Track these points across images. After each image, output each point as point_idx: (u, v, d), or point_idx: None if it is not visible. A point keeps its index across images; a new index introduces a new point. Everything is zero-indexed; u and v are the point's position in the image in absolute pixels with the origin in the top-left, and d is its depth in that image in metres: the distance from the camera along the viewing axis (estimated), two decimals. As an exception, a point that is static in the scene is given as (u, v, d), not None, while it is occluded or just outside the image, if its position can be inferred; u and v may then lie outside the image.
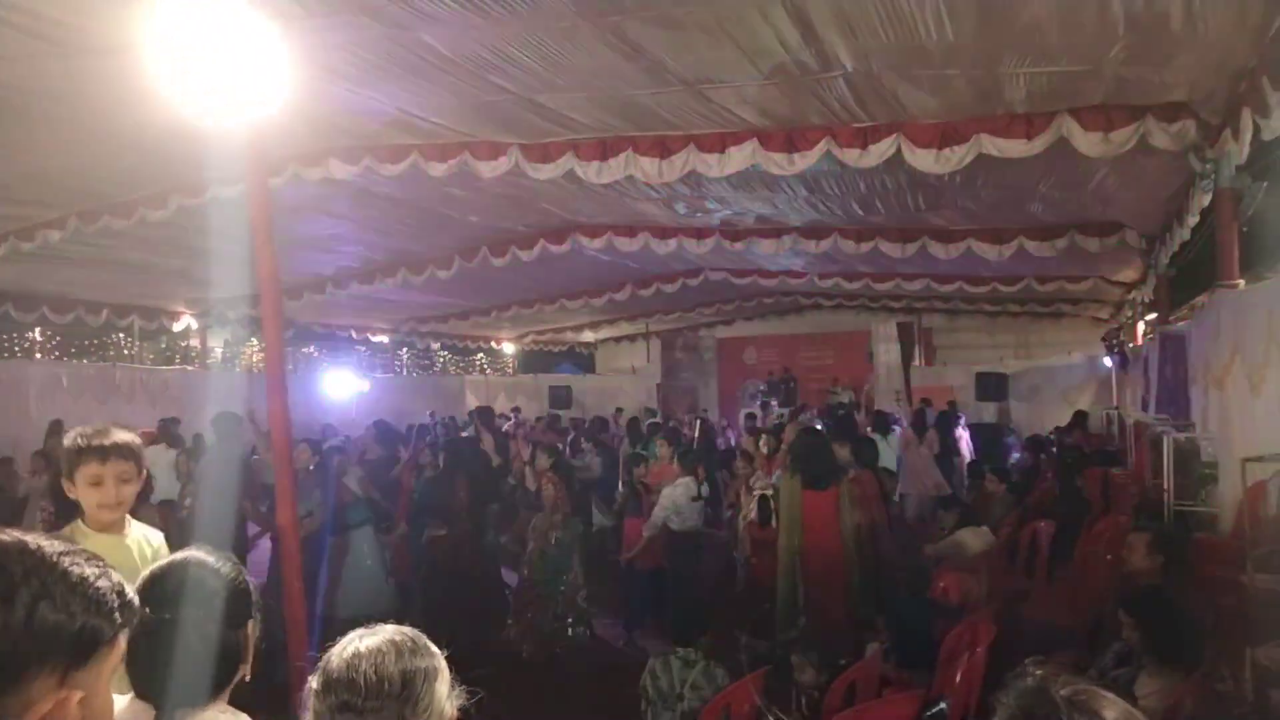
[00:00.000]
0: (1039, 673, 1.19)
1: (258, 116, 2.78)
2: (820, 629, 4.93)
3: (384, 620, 1.58)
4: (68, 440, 2.60)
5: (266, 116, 2.80)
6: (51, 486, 6.77)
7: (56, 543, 1.10)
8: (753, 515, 6.98)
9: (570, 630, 6.76)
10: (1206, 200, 5.84)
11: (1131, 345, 11.49)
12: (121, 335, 15.77)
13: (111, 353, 15.81)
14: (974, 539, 5.93)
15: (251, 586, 1.82)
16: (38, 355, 14.97)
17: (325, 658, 1.47)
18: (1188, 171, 5.79)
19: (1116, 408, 12.39)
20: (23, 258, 8.55)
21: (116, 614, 1.10)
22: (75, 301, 11.75)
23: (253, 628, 1.79)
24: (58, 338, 15.25)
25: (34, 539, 1.09)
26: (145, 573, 1.77)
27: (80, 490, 2.56)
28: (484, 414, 10.45)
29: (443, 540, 6.85)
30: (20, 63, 4.67)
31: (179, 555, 1.80)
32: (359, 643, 1.48)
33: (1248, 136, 4.36)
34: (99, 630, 1.07)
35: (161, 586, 1.71)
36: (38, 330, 14.89)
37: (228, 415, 7.11)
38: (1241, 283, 5.43)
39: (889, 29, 4.12)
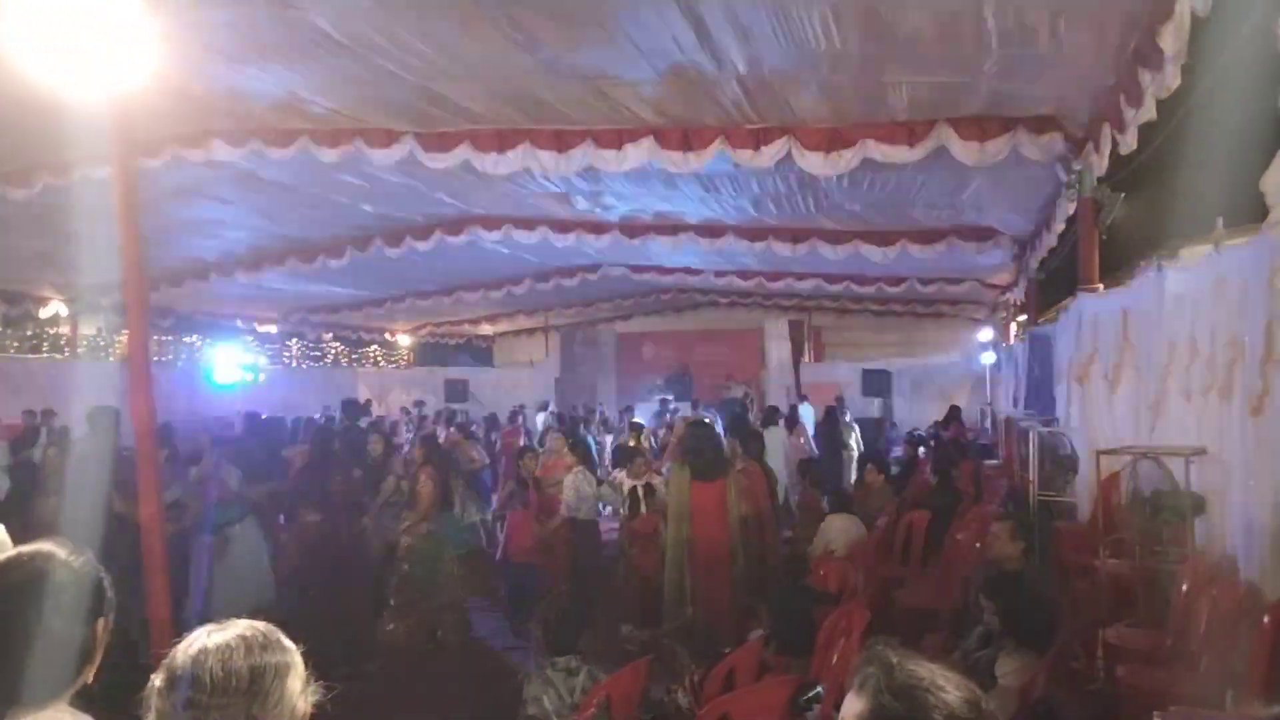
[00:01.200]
0: (889, 657, 1.25)
1: (122, 91, 2.65)
2: (706, 617, 5.04)
3: (266, 617, 1.54)
4: None
5: (134, 92, 2.68)
6: None
7: None
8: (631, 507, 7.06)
9: (446, 621, 6.73)
10: (1071, 209, 6.24)
11: (1004, 345, 12.15)
12: (-20, 321, 14.74)
13: (-31, 340, 14.77)
14: (839, 529, 6.12)
15: (106, 583, 1.73)
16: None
17: (170, 654, 1.42)
18: (1055, 181, 6.16)
19: (990, 404, 13.10)
20: None
21: None
22: (-73, 285, 10.94)
23: (103, 626, 1.71)
24: (-92, 323, 14.13)
25: None
26: None
27: None
28: (349, 407, 10.51)
29: (314, 527, 6.70)
30: None
31: (27, 548, 1.70)
32: (206, 639, 1.42)
33: (1107, 150, 4.68)
34: None
35: (4, 579, 1.63)
36: (-116, 315, 13.74)
37: (105, 409, 6.77)
38: (1100, 287, 5.81)
39: (780, 35, 4.24)
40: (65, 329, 14.48)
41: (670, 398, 17.22)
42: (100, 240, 7.76)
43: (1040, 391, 7.78)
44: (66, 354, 14.27)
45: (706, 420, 7.97)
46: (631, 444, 8.58)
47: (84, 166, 6.42)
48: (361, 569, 6.85)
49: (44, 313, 13.00)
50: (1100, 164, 5.02)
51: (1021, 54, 4.16)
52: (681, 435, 6.67)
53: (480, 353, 23.45)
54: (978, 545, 4.78)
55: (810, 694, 3.46)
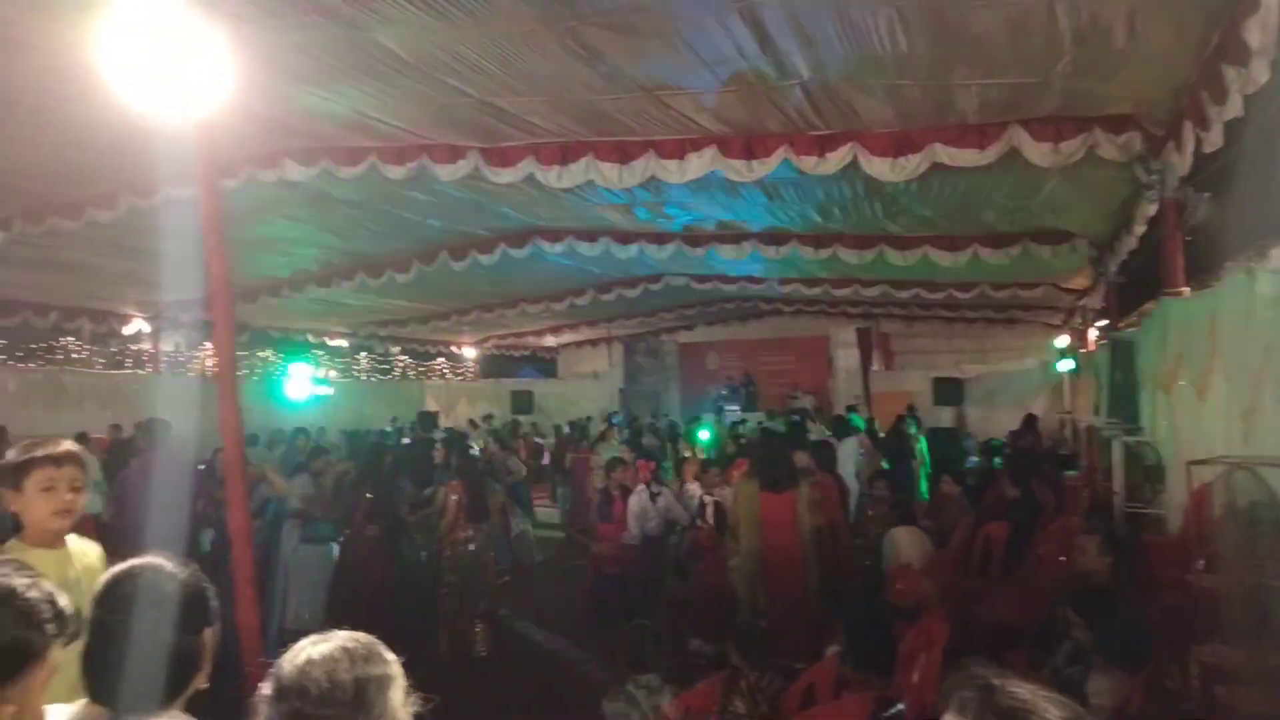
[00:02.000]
0: (988, 678, 1.20)
1: (208, 115, 2.73)
2: (778, 630, 4.95)
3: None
4: (12, 454, 2.55)
5: (218, 116, 2.76)
6: None
7: None
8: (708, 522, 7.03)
9: (484, 632, 6.89)
10: (1152, 210, 5.99)
11: (1083, 351, 11.74)
12: (70, 339, 15.35)
13: (60, 357, 15.37)
14: (904, 542, 5.96)
15: (210, 593, 1.80)
16: (-18, 360, 14.55)
17: (278, 665, 1.46)
18: (1134, 182, 5.94)
19: (1069, 412, 12.67)
20: (-34, 259, 8.34)
21: (48, 625, 1.06)
22: (21, 304, 11.46)
23: (210, 635, 1.78)
24: (3, 341, 14.80)
25: None
26: (102, 578, 1.76)
27: (29, 499, 2.49)
28: (423, 419, 10.64)
29: (373, 540, 6.87)
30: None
31: (136, 560, 1.78)
32: (311, 649, 1.46)
33: (1190, 149, 4.48)
34: (29, 643, 1.03)
35: (118, 591, 1.69)
36: (-19, 334, 14.45)
37: (158, 421, 7.05)
38: (1186, 290, 5.57)
39: (844, 40, 4.17)
40: (147, 345, 15.02)
41: (736, 408, 17.12)
42: (180, 258, 8.09)
43: (1122, 399, 7.48)
44: (149, 369, 14.79)
45: (774, 431, 7.87)
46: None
47: (166, 188, 6.65)
48: (413, 581, 6.99)
49: (127, 329, 13.53)
50: (1183, 163, 4.81)
51: (1096, 52, 4.02)
52: (749, 447, 6.60)
53: (544, 364, 23.63)
54: (1062, 559, 4.61)
55: (891, 712, 3.36)
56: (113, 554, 2.48)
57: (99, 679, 1.62)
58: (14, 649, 1.02)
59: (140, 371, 15.53)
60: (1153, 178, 5.27)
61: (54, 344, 15.22)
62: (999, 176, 6.33)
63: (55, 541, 2.54)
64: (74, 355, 15.49)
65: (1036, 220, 8.08)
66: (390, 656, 1.51)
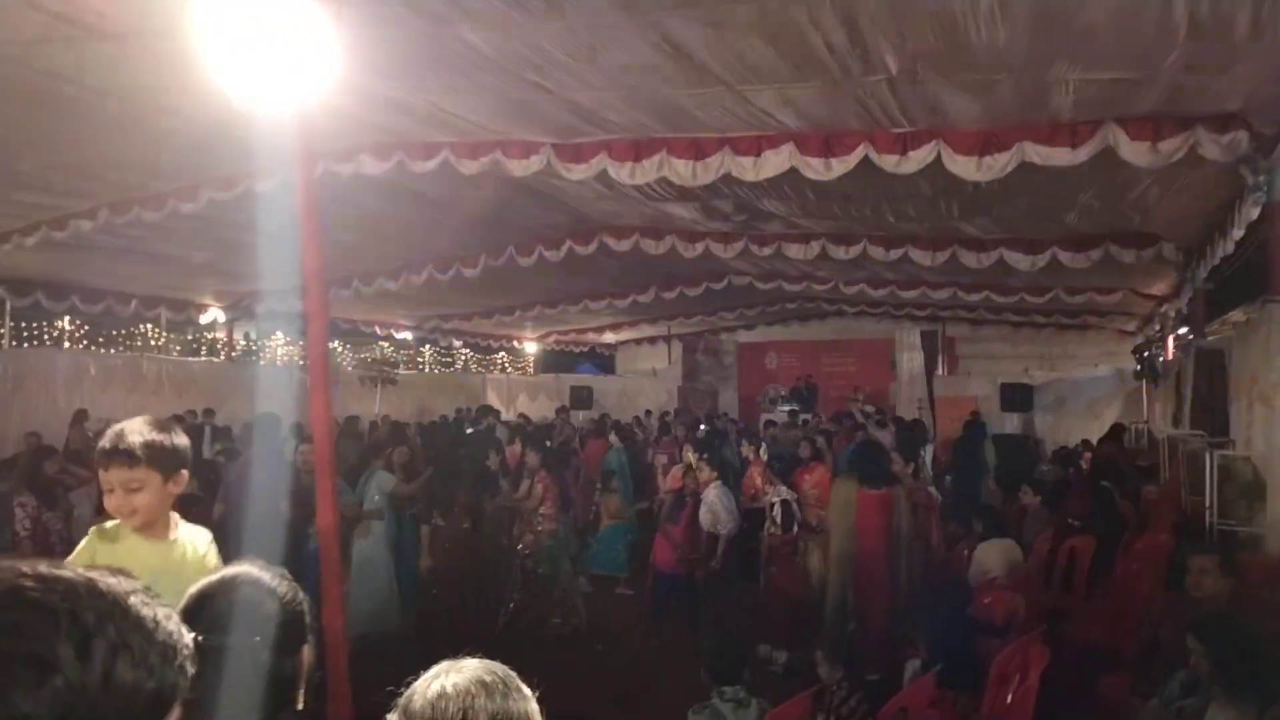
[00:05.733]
0: None
1: (307, 104, 2.72)
2: (865, 640, 4.82)
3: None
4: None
5: (311, 107, 2.75)
6: (30, 475, 6.67)
7: (121, 578, 0.91)
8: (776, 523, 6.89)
9: (564, 621, 7.02)
10: (1255, 214, 5.70)
11: (1162, 359, 11.30)
12: (149, 326, 15.81)
13: (139, 343, 15.85)
14: (997, 554, 5.76)
15: (307, 607, 1.67)
16: (66, 344, 15.06)
17: (407, 695, 1.35)
18: (1234, 183, 5.66)
19: (1146, 422, 12.22)
20: (54, 247, 8.60)
21: (188, 664, 0.94)
22: (104, 292, 11.83)
23: (308, 653, 1.66)
24: (86, 327, 15.32)
25: (98, 574, 0.89)
26: (192, 591, 1.62)
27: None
28: (485, 413, 10.84)
29: (467, 534, 6.98)
30: (60, 51, 4.66)
31: (229, 571, 1.65)
32: (445, 680, 1.34)
33: (1307, 148, 4.24)
34: (175, 687, 0.88)
35: (210, 607, 1.56)
36: (66, 319, 14.97)
37: (268, 415, 7.12)
38: (1293, 298, 5.28)
39: (937, 31, 4.02)
40: (222, 334, 15.40)
41: (797, 408, 16.89)
42: (257, 250, 8.25)
43: (1210, 410, 7.18)
44: (223, 357, 15.16)
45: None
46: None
47: (247, 181, 6.76)
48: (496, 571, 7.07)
49: (204, 318, 13.89)
50: (1297, 163, 4.56)
51: (1213, 45, 3.81)
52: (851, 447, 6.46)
53: (603, 360, 23.67)
54: (1153, 577, 4.40)
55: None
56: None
57: (187, 709, 1.47)
58: (164, 695, 0.86)
59: (215, 360, 15.93)
60: (1260, 179, 5.01)
61: (133, 331, 15.70)
62: (1088, 176, 6.09)
63: (158, 530, 2.36)
64: (152, 342, 15.96)
65: (1122, 222, 7.78)
66: (528, 691, 1.39)
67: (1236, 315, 8.98)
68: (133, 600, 0.89)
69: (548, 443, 9.76)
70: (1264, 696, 2.81)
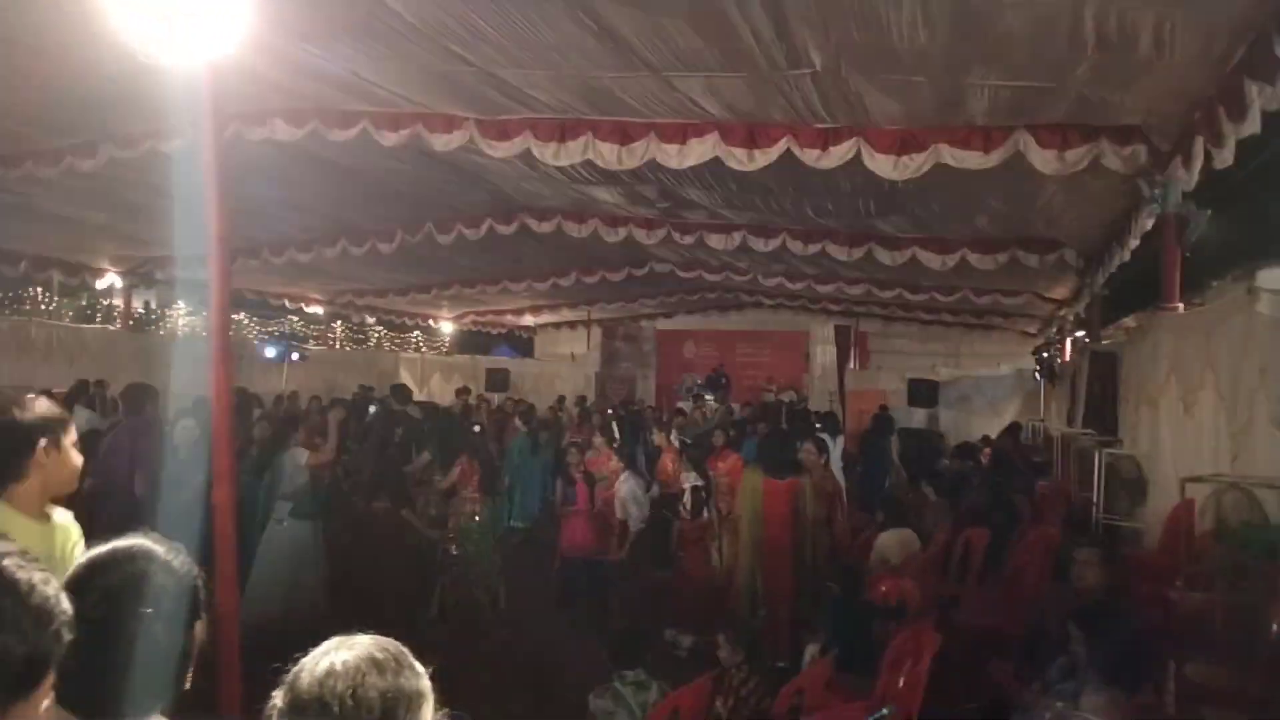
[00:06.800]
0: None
1: (215, 61, 2.59)
2: (771, 626, 4.91)
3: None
4: (41, 406, 2.30)
5: (223, 63, 2.62)
6: None
7: None
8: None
9: (489, 606, 6.97)
10: (1149, 224, 5.99)
11: (1060, 361, 11.82)
12: (39, 290, 14.94)
13: (28, 308, 14.96)
14: (895, 543, 5.94)
15: (202, 582, 1.60)
16: (-56, 307, 14.16)
17: (294, 672, 1.29)
18: (1133, 195, 5.93)
19: (1043, 420, 12.77)
20: (-67, 201, 8.06)
21: (64, 631, 0.88)
22: (-7, 252, 11.13)
23: (201, 628, 1.58)
24: (-31, 290, 14.44)
25: None
26: (81, 561, 1.54)
27: (56, 460, 2.26)
28: (397, 392, 10.79)
29: (384, 514, 6.87)
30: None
31: (122, 543, 1.56)
32: (334, 656, 1.29)
33: (1198, 164, 4.46)
34: (49, 653, 0.85)
35: (102, 580, 1.48)
36: (-55, 280, 14.06)
37: (138, 386, 6.81)
38: (1180, 306, 5.58)
39: (861, 29, 4.09)
40: (119, 301, 14.66)
41: (709, 396, 17.07)
42: (161, 213, 7.87)
43: (1101, 411, 7.54)
44: (119, 326, 14.44)
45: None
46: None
47: (151, 140, 6.44)
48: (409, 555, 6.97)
49: (100, 284, 13.20)
50: (1189, 179, 4.80)
51: (1119, 59, 3.97)
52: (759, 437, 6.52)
53: (521, 343, 23.47)
54: (1042, 568, 4.60)
55: (877, 716, 3.31)
56: (91, 527, 2.30)
57: (73, 683, 1.30)
58: (35, 661, 0.84)
59: (110, 327, 15.17)
60: (1155, 191, 5.26)
61: (22, 294, 14.84)
62: (998, 181, 6.29)
63: (42, 513, 2.29)
64: (43, 306, 15.12)
65: (1028, 228, 8.08)
66: (421, 669, 1.34)
67: (1129, 321, 9.46)
68: (6, 563, 0.85)
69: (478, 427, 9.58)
70: (1134, 681, 2.98)
